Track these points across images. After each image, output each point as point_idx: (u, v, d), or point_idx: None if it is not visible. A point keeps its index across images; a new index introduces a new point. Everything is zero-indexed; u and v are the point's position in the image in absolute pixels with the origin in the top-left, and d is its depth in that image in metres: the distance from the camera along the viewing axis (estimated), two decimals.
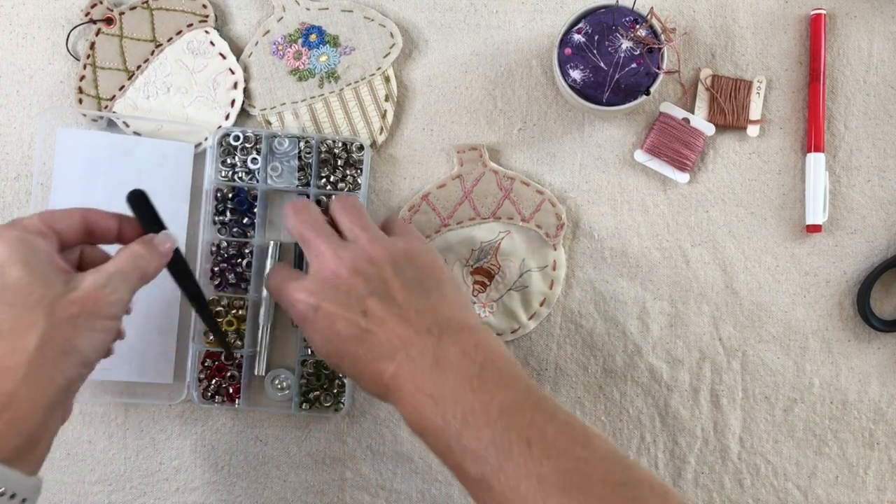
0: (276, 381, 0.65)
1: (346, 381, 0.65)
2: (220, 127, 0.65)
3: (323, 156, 0.65)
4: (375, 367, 0.51)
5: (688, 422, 0.66)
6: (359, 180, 0.65)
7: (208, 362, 0.64)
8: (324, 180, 0.64)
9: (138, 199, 0.56)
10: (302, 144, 0.64)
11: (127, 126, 0.65)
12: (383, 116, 0.66)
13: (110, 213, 0.55)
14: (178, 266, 0.57)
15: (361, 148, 0.65)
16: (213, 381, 0.64)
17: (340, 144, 0.65)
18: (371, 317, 0.52)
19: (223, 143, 0.64)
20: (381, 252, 0.54)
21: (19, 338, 0.47)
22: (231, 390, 0.64)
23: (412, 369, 0.50)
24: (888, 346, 0.66)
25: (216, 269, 0.64)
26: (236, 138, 0.64)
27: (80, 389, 0.63)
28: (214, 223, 0.64)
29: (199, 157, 0.65)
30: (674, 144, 0.65)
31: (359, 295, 0.52)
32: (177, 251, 0.56)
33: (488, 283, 0.65)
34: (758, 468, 0.66)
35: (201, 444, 0.65)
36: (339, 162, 0.65)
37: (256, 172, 0.64)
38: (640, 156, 0.65)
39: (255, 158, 0.64)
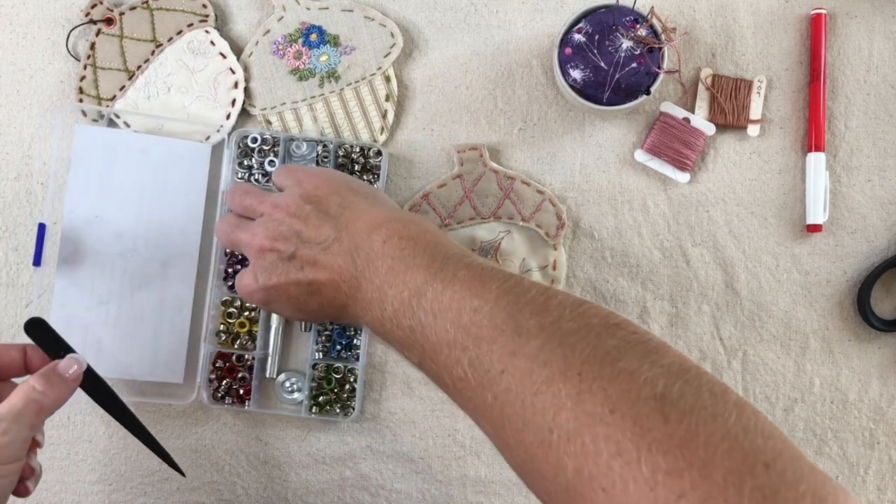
0: (287, 384, 0.65)
1: (356, 386, 0.65)
2: (221, 126, 0.65)
3: (340, 160, 0.65)
4: (337, 304, 0.54)
5: None
6: (376, 185, 0.65)
7: (219, 363, 0.64)
8: None
9: (36, 329, 0.53)
10: (320, 149, 0.64)
11: (127, 125, 0.65)
12: (384, 116, 0.66)
13: (13, 346, 0.54)
14: (94, 385, 0.55)
15: (379, 154, 0.65)
16: (224, 382, 0.64)
17: (358, 150, 0.65)
18: (307, 266, 0.54)
19: (241, 145, 0.64)
20: (282, 211, 0.56)
21: None
22: (241, 392, 0.64)
23: (353, 288, 0.52)
24: (888, 345, 0.66)
25: (230, 270, 0.64)
26: (254, 140, 0.64)
27: None
28: None
29: (215, 158, 0.65)
30: (674, 144, 0.65)
31: (287, 255, 0.54)
32: (89, 371, 0.54)
33: None
34: None
35: (201, 443, 0.65)
36: (357, 167, 0.65)
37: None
38: (641, 155, 0.65)
39: (272, 161, 0.64)
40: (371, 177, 0.65)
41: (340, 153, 0.65)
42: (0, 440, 0.48)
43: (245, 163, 0.64)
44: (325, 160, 0.64)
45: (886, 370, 0.66)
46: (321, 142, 0.65)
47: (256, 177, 0.64)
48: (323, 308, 0.55)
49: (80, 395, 0.65)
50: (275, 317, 0.64)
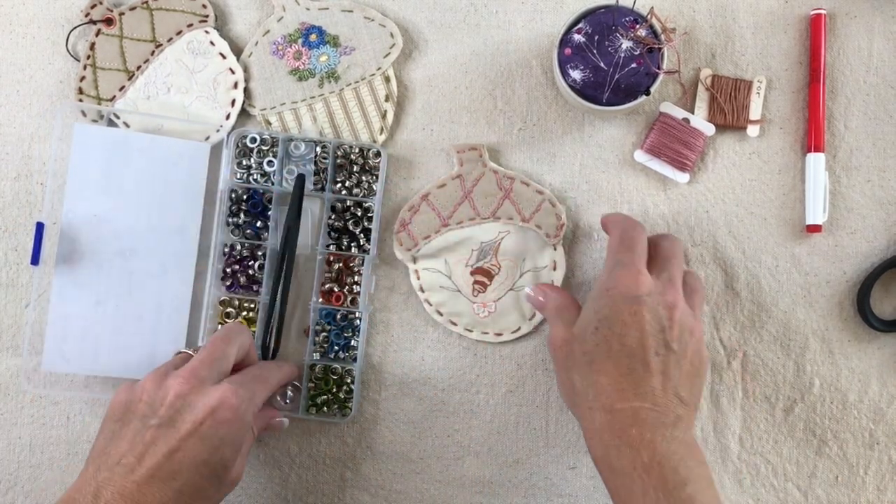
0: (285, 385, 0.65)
1: (353, 386, 0.64)
2: (220, 127, 0.65)
3: (339, 161, 0.65)
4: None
5: None
6: (374, 186, 0.65)
7: None
8: (339, 185, 0.65)
9: (297, 185, 0.63)
10: (318, 149, 0.64)
11: (127, 126, 0.65)
12: (383, 116, 0.66)
13: (292, 372, 0.63)
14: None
15: (378, 154, 0.65)
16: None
17: (357, 150, 0.65)
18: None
19: (239, 145, 0.64)
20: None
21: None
22: None
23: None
24: (888, 346, 0.66)
25: (228, 270, 0.64)
26: (253, 140, 0.64)
27: (91, 385, 0.65)
28: (228, 224, 0.64)
29: (214, 158, 0.65)
30: (674, 144, 0.65)
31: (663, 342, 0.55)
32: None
33: (488, 283, 0.65)
34: (758, 468, 0.66)
35: None
36: (356, 168, 0.65)
37: (272, 175, 0.64)
38: (640, 156, 0.65)
39: (270, 161, 0.64)
40: (370, 178, 0.65)
41: (339, 154, 0.65)
42: (237, 481, 0.56)
43: (244, 163, 0.64)
44: (324, 160, 0.64)
45: (886, 370, 0.66)
46: (320, 142, 0.65)
47: (255, 176, 0.64)
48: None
49: (78, 394, 0.65)
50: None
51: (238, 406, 0.53)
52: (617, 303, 0.54)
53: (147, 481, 0.49)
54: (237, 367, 0.58)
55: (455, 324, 0.65)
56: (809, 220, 0.65)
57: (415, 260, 0.65)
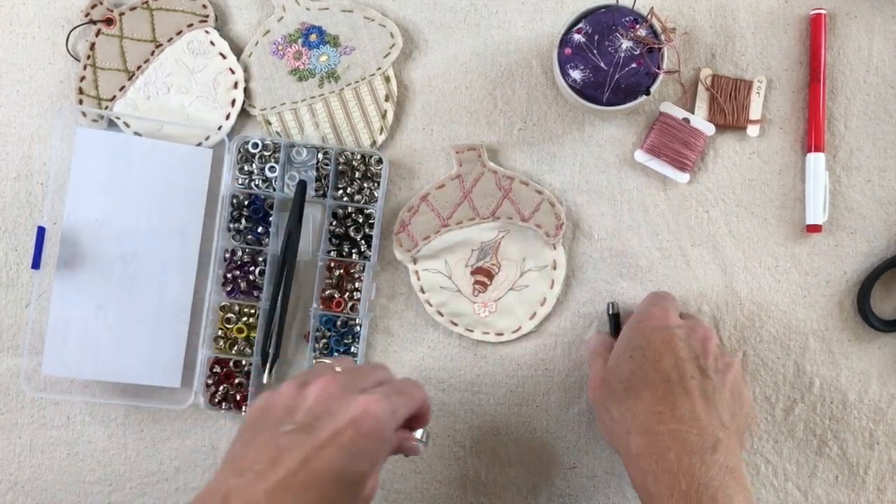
0: None
1: None
2: (220, 127, 0.65)
3: (341, 167, 0.65)
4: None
5: None
6: (376, 193, 0.65)
7: (217, 368, 0.64)
8: (340, 192, 0.65)
9: (300, 190, 0.63)
10: (320, 155, 0.64)
11: (127, 126, 0.65)
12: (383, 116, 0.66)
13: (428, 407, 0.54)
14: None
15: (380, 161, 0.65)
16: (221, 387, 0.64)
17: (359, 157, 0.65)
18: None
19: (241, 150, 0.64)
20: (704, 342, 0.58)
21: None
22: (238, 397, 0.64)
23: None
24: (888, 346, 0.66)
25: (229, 275, 0.64)
26: (255, 146, 0.64)
27: (91, 387, 0.65)
28: (229, 230, 0.64)
29: (216, 162, 0.65)
30: (674, 144, 0.65)
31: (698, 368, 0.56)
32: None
33: (489, 283, 0.65)
34: (758, 468, 0.66)
35: (201, 444, 0.65)
36: (357, 174, 0.65)
37: (273, 181, 0.64)
38: (641, 156, 0.65)
39: (272, 167, 0.64)
40: (372, 184, 0.65)
41: (341, 160, 0.65)
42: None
43: (246, 168, 0.64)
44: (326, 167, 0.64)
45: (886, 370, 0.66)
46: (322, 149, 0.65)
47: (257, 182, 0.64)
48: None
49: (77, 397, 0.65)
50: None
51: (382, 417, 0.47)
52: (647, 332, 0.56)
53: (277, 490, 0.44)
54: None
55: (456, 324, 0.65)
56: (809, 220, 0.65)
57: (415, 261, 0.65)
